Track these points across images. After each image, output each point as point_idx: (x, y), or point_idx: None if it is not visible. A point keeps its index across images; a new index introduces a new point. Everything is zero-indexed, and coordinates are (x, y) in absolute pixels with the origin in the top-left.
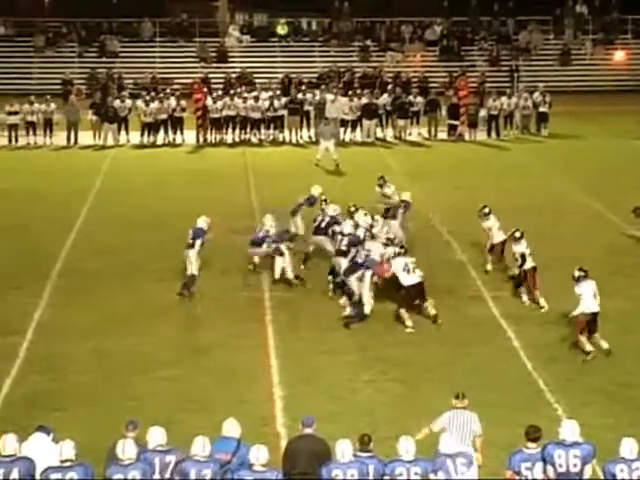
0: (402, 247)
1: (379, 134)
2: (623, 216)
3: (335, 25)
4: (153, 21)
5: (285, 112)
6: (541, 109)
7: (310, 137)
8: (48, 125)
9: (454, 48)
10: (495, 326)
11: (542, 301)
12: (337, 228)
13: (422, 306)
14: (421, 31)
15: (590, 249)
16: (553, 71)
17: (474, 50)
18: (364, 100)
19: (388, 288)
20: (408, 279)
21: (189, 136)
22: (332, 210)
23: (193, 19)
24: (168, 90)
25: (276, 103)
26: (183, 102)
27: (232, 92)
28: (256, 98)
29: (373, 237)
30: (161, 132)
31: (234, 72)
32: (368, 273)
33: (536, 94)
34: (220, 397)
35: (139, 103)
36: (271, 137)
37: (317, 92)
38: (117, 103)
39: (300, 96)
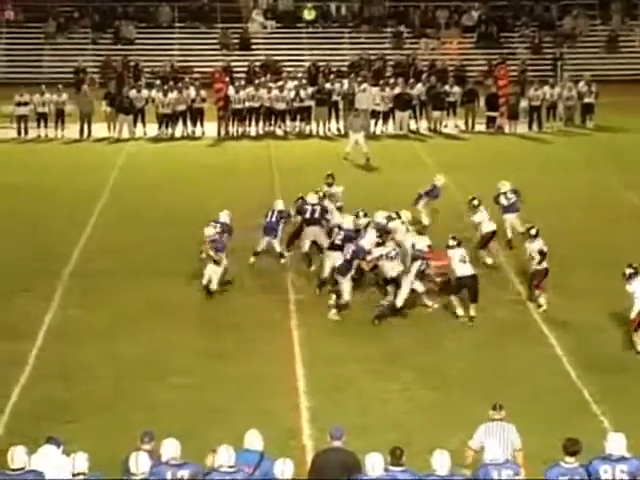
0: (454, 238)
1: (412, 126)
2: None
3: (366, 9)
4: (171, 5)
5: (312, 103)
6: (586, 100)
7: (339, 129)
8: (60, 116)
9: (493, 34)
10: (536, 331)
11: (542, 300)
12: (334, 220)
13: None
14: (458, 16)
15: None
16: (599, 59)
17: (514, 37)
18: (397, 90)
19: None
20: (463, 269)
21: (210, 128)
22: (316, 199)
23: (214, 3)
24: (187, 79)
25: (302, 93)
26: (203, 92)
27: (256, 81)
28: (281, 88)
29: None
30: (180, 124)
31: (258, 60)
32: (417, 263)
33: (581, 84)
34: (242, 407)
35: (155, 93)
36: (297, 129)
37: (345, 81)
38: (133, 93)
39: (328, 86)
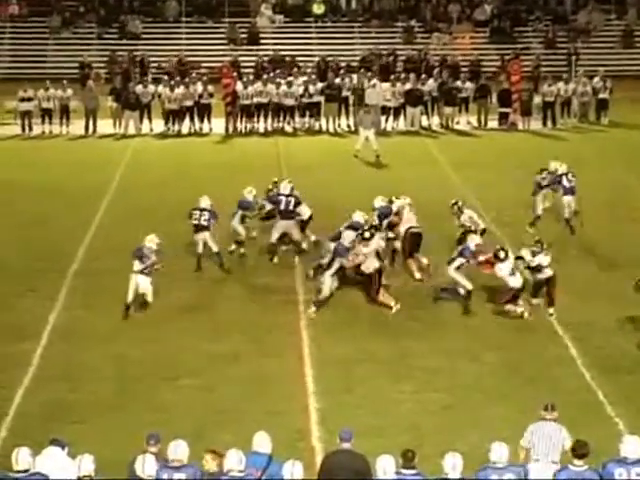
0: (502, 249)
1: (424, 122)
2: None
3: (376, 3)
4: None
5: (322, 98)
6: (601, 95)
7: (349, 126)
8: (65, 112)
9: (506, 29)
10: (550, 332)
11: (519, 310)
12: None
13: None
14: (470, 10)
15: None
16: (614, 54)
17: (528, 31)
18: (408, 86)
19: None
20: (514, 281)
21: (217, 125)
22: (289, 189)
23: None
24: (194, 74)
25: (311, 89)
26: (210, 87)
27: (264, 77)
28: (290, 83)
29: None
30: (186, 120)
31: (266, 55)
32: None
33: (596, 79)
34: (250, 408)
35: (161, 89)
36: (306, 125)
37: (355, 76)
38: (139, 89)
39: (338, 81)
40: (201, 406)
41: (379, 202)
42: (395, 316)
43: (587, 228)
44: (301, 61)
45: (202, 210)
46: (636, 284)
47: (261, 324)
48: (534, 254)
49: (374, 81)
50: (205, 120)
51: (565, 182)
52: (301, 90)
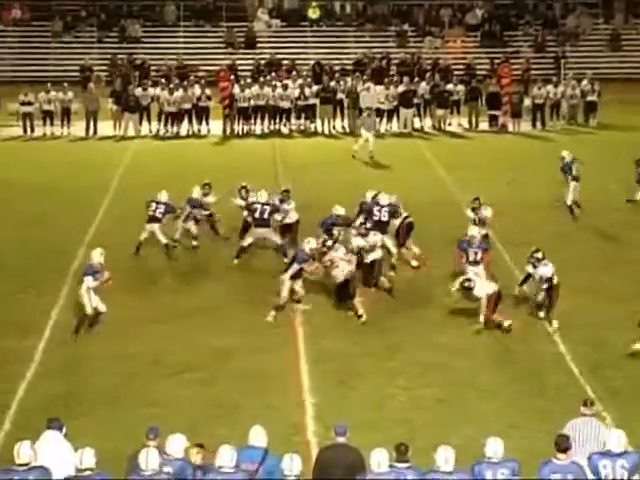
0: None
1: (417, 124)
2: None
3: (370, 8)
4: (177, 4)
5: (317, 101)
6: (589, 98)
7: (343, 127)
8: (66, 114)
9: (496, 33)
10: (540, 329)
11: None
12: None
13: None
14: (462, 15)
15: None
16: (602, 57)
17: (518, 35)
18: (401, 88)
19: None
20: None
21: (215, 126)
22: (265, 197)
23: (219, 2)
24: (192, 78)
25: (307, 91)
26: (208, 91)
27: (261, 80)
28: (285, 86)
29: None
30: (185, 122)
31: (263, 58)
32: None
33: (584, 82)
34: (248, 403)
35: (158, 91)
36: (302, 127)
37: (349, 80)
38: (139, 91)
39: (333, 84)
40: (199, 401)
41: (385, 199)
42: (389, 313)
43: (575, 227)
44: (297, 64)
45: (158, 203)
46: None
47: (258, 321)
48: (534, 266)
49: (368, 84)
50: (203, 122)
51: (575, 171)
52: (297, 93)
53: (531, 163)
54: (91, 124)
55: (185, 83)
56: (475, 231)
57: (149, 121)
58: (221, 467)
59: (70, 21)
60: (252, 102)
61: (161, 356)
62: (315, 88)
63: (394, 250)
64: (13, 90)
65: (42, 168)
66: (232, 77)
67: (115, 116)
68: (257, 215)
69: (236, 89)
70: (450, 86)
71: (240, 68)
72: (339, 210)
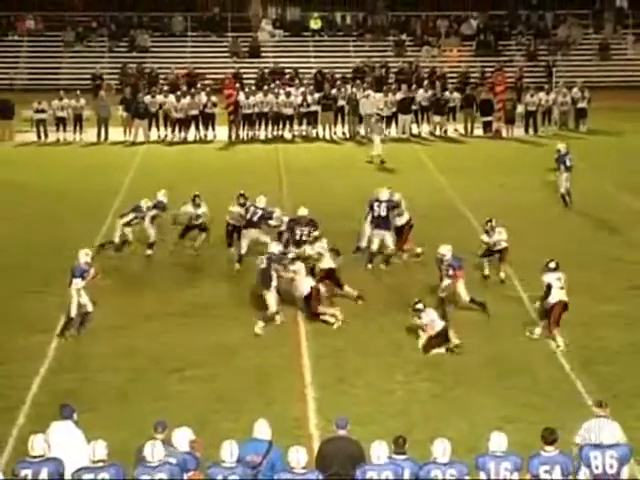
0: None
1: (414, 130)
2: None
3: (370, 19)
4: (184, 15)
5: (318, 108)
6: (580, 105)
7: (344, 133)
8: (78, 121)
9: (491, 43)
10: (531, 326)
11: (559, 339)
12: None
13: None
14: (457, 25)
15: (627, 250)
16: (592, 66)
17: (511, 45)
18: (399, 96)
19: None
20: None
21: (221, 132)
22: (262, 202)
23: (225, 13)
24: (199, 85)
25: (309, 99)
26: (214, 98)
27: (265, 87)
28: (288, 94)
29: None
30: (192, 128)
31: (266, 67)
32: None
33: (575, 90)
34: (251, 397)
35: (162, 98)
36: (304, 133)
37: (348, 87)
38: (148, 99)
39: (334, 92)
40: (203, 396)
41: (385, 194)
42: (387, 310)
43: (566, 229)
44: (299, 73)
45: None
46: None
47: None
48: (548, 270)
49: (368, 91)
50: (209, 128)
51: (568, 162)
52: (299, 100)
53: (524, 167)
54: (102, 130)
55: (192, 90)
56: (445, 249)
57: (158, 127)
58: (223, 462)
59: (82, 31)
60: (256, 109)
61: (166, 353)
62: (317, 95)
63: (392, 246)
64: (27, 98)
65: (55, 172)
66: (237, 85)
67: (125, 122)
68: (248, 216)
69: (241, 96)
70: (447, 94)
71: (245, 76)
72: (302, 211)
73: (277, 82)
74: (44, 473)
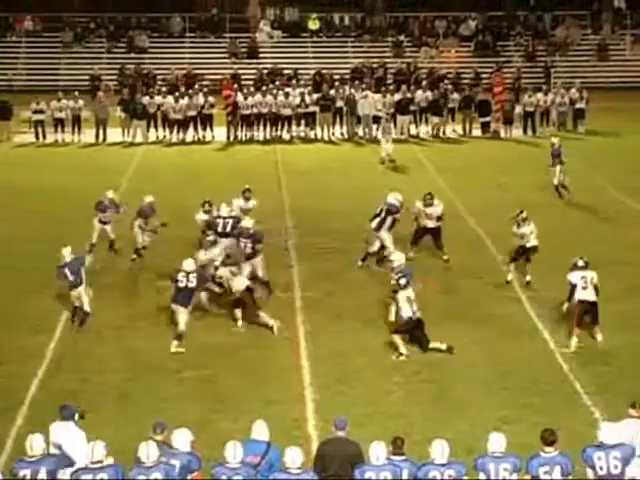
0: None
1: (413, 131)
2: None
3: (368, 20)
4: (183, 16)
5: (316, 108)
6: (578, 105)
7: (342, 134)
8: (76, 122)
9: (489, 43)
10: (530, 327)
11: (573, 340)
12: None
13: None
14: (455, 26)
15: (626, 250)
16: (590, 67)
17: (510, 45)
18: (397, 96)
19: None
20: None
21: (219, 133)
22: (227, 211)
23: (223, 14)
24: (197, 86)
25: (307, 99)
26: (211, 98)
27: (264, 88)
28: (287, 94)
29: None
30: (190, 129)
31: (265, 68)
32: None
33: (573, 90)
34: (250, 398)
35: (160, 99)
36: (302, 134)
37: (346, 88)
38: (146, 99)
39: (332, 92)
40: (204, 396)
41: (392, 198)
42: (386, 312)
43: (565, 228)
44: (297, 74)
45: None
46: None
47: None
48: (574, 268)
49: (366, 92)
50: (208, 129)
51: (562, 154)
52: (297, 101)
53: (522, 167)
54: (100, 131)
55: (190, 91)
56: (398, 257)
57: (156, 128)
58: (226, 462)
59: (80, 32)
60: (254, 110)
61: (165, 354)
62: (315, 96)
63: (391, 247)
64: (26, 99)
65: (53, 173)
66: (235, 86)
67: (123, 123)
68: (220, 229)
69: (239, 97)
70: (448, 94)
71: (243, 77)
72: (247, 222)
73: (276, 83)
74: (42, 472)
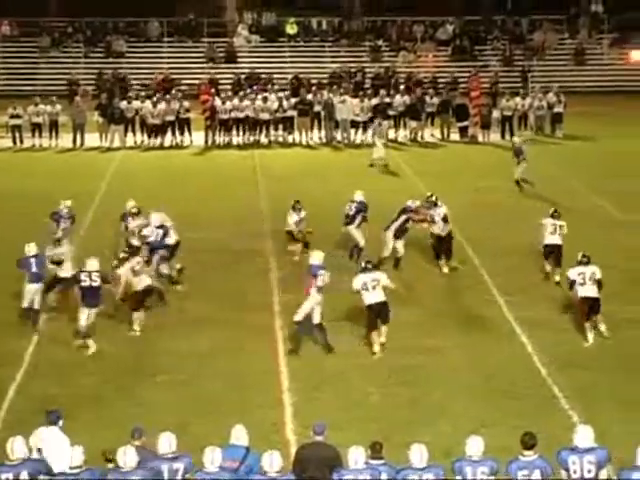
0: (369, 262)
1: (391, 135)
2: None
3: (346, 24)
4: (160, 21)
5: (295, 113)
6: (555, 110)
7: (320, 138)
8: (54, 127)
9: (466, 48)
10: (509, 331)
11: (602, 327)
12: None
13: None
14: (433, 30)
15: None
16: (568, 71)
17: (487, 50)
18: (375, 101)
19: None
20: (369, 297)
21: (197, 138)
22: (159, 220)
23: (201, 19)
24: (174, 91)
25: (285, 104)
26: (186, 103)
27: (241, 93)
28: (265, 99)
29: None
30: (168, 134)
31: (242, 72)
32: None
33: (550, 94)
34: (229, 402)
35: (138, 103)
36: (280, 138)
37: (324, 92)
38: (124, 104)
39: (310, 97)
40: (182, 401)
41: (359, 196)
42: (363, 316)
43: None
44: (275, 78)
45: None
46: None
47: (238, 324)
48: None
49: (344, 97)
50: (185, 133)
51: (524, 152)
52: (275, 105)
53: (499, 171)
54: (78, 136)
55: (168, 96)
56: (320, 256)
57: (134, 133)
58: (205, 468)
59: (57, 37)
60: (232, 114)
61: (143, 358)
62: (293, 101)
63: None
64: (2, 103)
65: (31, 178)
66: (213, 90)
67: (101, 128)
68: (152, 239)
69: (217, 102)
70: (427, 98)
71: (221, 82)
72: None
73: (254, 87)
74: (24, 475)
